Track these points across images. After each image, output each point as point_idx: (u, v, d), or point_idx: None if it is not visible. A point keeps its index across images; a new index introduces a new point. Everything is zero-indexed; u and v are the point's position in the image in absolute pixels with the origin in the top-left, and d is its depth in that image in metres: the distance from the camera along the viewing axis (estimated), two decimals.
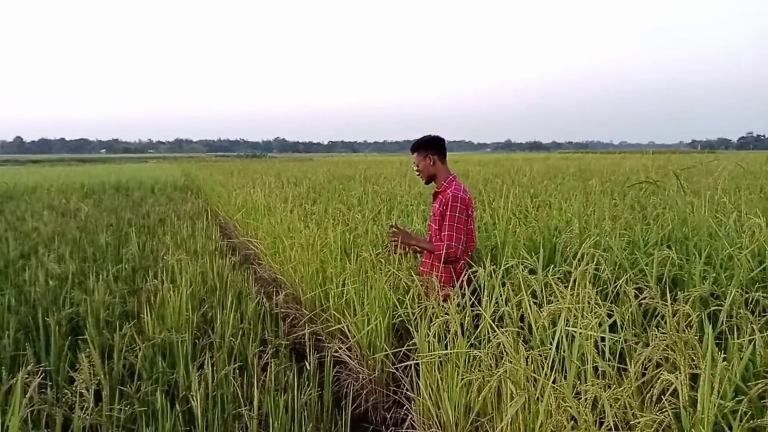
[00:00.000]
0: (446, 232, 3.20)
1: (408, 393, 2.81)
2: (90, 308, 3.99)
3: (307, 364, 3.28)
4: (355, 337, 3.31)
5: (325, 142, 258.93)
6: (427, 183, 3.51)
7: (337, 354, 3.43)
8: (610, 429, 1.80)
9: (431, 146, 3.42)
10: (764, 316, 2.27)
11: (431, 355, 2.54)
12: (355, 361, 3.34)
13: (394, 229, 3.49)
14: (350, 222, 4.96)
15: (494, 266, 2.78)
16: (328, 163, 24.61)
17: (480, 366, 2.30)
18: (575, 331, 2.08)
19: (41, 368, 3.02)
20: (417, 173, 3.50)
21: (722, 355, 1.81)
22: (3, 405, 2.70)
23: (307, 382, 3.04)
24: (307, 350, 3.39)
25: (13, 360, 3.43)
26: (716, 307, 2.41)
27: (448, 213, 3.21)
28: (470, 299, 2.64)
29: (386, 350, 3.13)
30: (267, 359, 3.35)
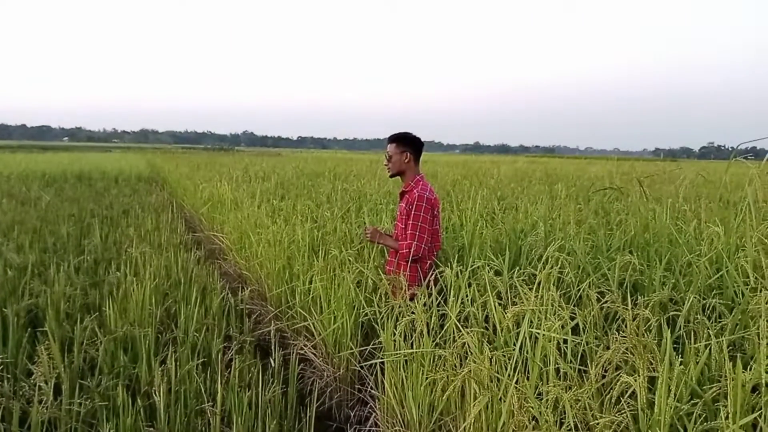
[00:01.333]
0: (410, 231, 3.22)
1: (372, 391, 2.82)
2: (50, 300, 3.91)
3: (272, 361, 3.27)
4: (320, 334, 3.31)
5: (295, 138, 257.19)
6: (392, 176, 3.52)
7: (302, 351, 3.42)
8: (571, 429, 1.85)
9: (411, 144, 3.43)
10: (720, 322, 2.34)
11: (396, 353, 2.55)
12: (321, 359, 3.34)
13: (367, 232, 3.50)
14: (319, 219, 4.95)
15: (461, 267, 2.80)
16: (297, 158, 24.42)
17: (444, 365, 2.33)
18: (538, 333, 2.12)
19: None
20: (386, 164, 3.49)
21: (679, 359, 1.87)
22: None
23: (271, 379, 3.02)
24: (272, 347, 3.38)
25: None
26: (675, 312, 2.47)
27: (413, 212, 3.23)
28: (437, 299, 2.66)
29: (352, 348, 3.14)
30: (231, 355, 3.33)
